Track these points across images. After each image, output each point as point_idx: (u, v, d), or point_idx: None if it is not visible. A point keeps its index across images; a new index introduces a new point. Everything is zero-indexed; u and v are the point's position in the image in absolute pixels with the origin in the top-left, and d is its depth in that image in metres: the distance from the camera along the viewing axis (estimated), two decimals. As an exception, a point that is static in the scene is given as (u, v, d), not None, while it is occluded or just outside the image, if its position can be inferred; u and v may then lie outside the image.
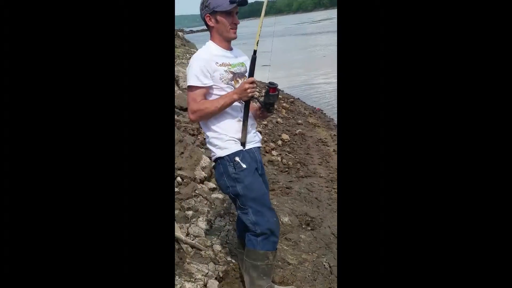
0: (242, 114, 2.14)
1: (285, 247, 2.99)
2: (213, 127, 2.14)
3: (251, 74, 2.11)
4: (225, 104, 2.06)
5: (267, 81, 2.11)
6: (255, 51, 2.08)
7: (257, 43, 2.07)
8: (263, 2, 2.07)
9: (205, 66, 2.06)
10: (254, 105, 2.26)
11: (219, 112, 2.09)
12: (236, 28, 2.15)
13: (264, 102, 2.14)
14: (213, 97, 2.11)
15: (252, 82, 2.04)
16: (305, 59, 18.12)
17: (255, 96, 2.09)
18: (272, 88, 2.09)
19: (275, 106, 2.23)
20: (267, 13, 2.18)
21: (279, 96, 2.15)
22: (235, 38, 2.17)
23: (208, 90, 2.09)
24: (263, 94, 2.13)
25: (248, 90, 2.02)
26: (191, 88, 2.09)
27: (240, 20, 2.18)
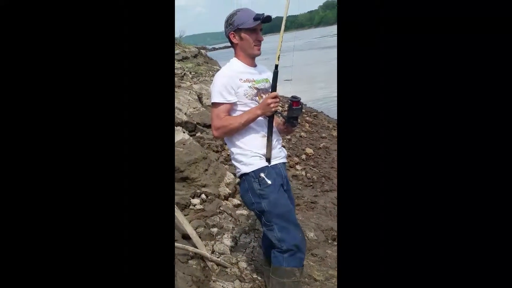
0: (266, 130, 2.14)
1: (312, 263, 2.95)
2: (238, 143, 2.14)
3: (274, 88, 2.11)
4: (249, 120, 2.07)
5: (289, 95, 2.11)
6: (276, 66, 2.10)
7: (278, 57, 2.09)
8: (282, 17, 2.08)
9: (229, 82, 2.08)
10: (278, 120, 2.26)
11: (243, 128, 2.09)
12: (260, 45, 2.17)
13: (287, 116, 2.13)
14: (238, 113, 2.11)
15: (275, 97, 2.04)
16: (327, 72, 18.08)
17: (278, 110, 2.09)
18: (295, 101, 2.08)
19: (299, 120, 2.22)
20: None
21: (303, 110, 2.14)
22: (259, 54, 2.19)
23: (232, 106, 2.10)
24: (286, 108, 2.12)
25: (271, 105, 2.02)
26: (214, 104, 2.10)
27: (263, 35, 2.20)
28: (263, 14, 2.10)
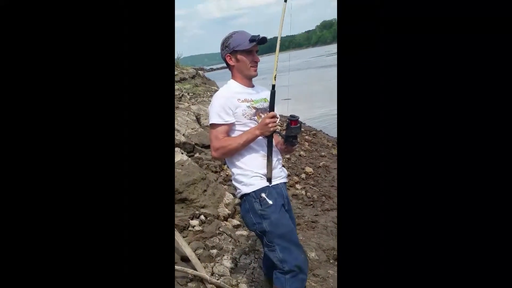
0: (266, 149, 2.13)
1: (313, 284, 2.91)
2: (238, 164, 2.13)
3: (272, 108, 2.11)
4: (248, 140, 2.06)
5: (288, 114, 2.10)
6: (273, 86, 2.10)
7: (275, 77, 2.09)
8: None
9: (226, 103, 2.08)
10: (278, 139, 2.25)
11: (242, 149, 2.08)
12: (256, 66, 2.18)
13: (286, 136, 2.11)
14: (237, 133, 2.11)
15: (273, 117, 2.03)
16: (325, 91, 18.19)
17: (277, 130, 2.08)
18: (293, 120, 2.07)
19: (298, 139, 2.20)
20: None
21: (301, 129, 2.12)
22: (255, 75, 2.20)
23: (230, 127, 2.10)
24: (285, 127, 2.11)
25: (270, 125, 2.01)
26: (213, 126, 2.10)
27: (259, 55, 2.22)
28: (259, 35, 2.13)
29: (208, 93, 9.71)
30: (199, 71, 12.86)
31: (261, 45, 2.18)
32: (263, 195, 2.07)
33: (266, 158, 2.12)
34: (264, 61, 2.44)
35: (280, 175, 2.20)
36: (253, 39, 2.11)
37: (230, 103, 2.08)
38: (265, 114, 2.16)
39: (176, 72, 10.31)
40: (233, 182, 2.22)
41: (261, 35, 2.13)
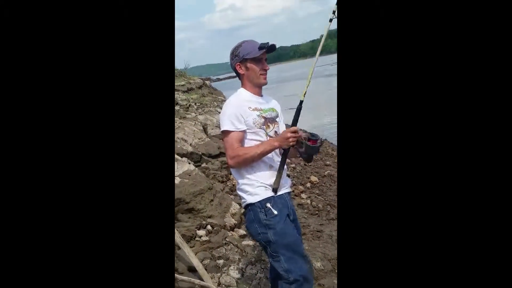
0: (273, 161, 2.15)
1: (319, 294, 2.92)
2: (244, 173, 2.15)
3: (295, 123, 2.12)
4: (265, 151, 2.07)
5: (308, 131, 2.09)
6: (301, 102, 2.12)
7: (304, 94, 2.11)
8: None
9: (239, 111, 2.10)
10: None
11: (258, 159, 2.09)
12: (266, 74, 2.20)
13: (303, 153, 2.10)
14: (248, 141, 2.13)
15: (294, 132, 2.03)
16: (330, 100, 18.18)
17: (295, 145, 2.08)
18: (312, 140, 2.05)
19: (314, 157, 2.21)
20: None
21: (319, 149, 2.12)
22: (265, 83, 2.22)
23: (243, 134, 2.11)
24: (303, 143, 2.09)
25: (290, 139, 2.02)
26: (225, 133, 2.11)
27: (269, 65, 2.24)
28: (268, 43, 2.14)
29: (215, 103, 9.77)
30: (206, 81, 12.94)
31: (270, 53, 2.20)
32: (268, 205, 2.08)
33: (272, 169, 2.14)
34: (271, 70, 2.46)
35: (285, 185, 2.21)
36: (262, 46, 2.13)
37: (242, 111, 2.10)
38: (273, 124, 2.20)
39: (183, 82, 10.40)
40: (238, 192, 2.23)
41: (270, 43, 2.15)
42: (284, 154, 2.13)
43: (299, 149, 2.09)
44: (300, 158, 2.22)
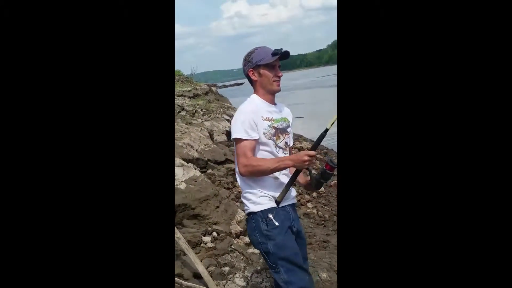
0: (280, 174, 2.11)
1: (325, 305, 2.87)
2: (249, 182, 2.12)
3: (315, 148, 2.07)
4: (278, 168, 2.02)
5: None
6: (326, 129, 2.01)
7: (332, 124, 1.97)
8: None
9: (253, 118, 2.06)
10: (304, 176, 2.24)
11: (269, 174, 2.06)
12: (279, 81, 2.16)
13: (316, 179, 2.07)
14: (255, 150, 2.08)
15: (312, 156, 1.97)
16: (335, 110, 18.14)
17: (309, 168, 2.05)
18: (330, 166, 2.00)
19: (324, 184, 2.17)
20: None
21: (333, 176, 2.07)
22: (279, 90, 2.18)
23: (256, 143, 2.07)
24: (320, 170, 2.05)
25: (306, 162, 1.96)
26: (238, 140, 2.06)
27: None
28: (281, 49, 2.11)
29: (221, 109, 9.77)
30: (212, 88, 12.96)
31: (284, 60, 2.17)
32: (270, 215, 2.04)
33: (277, 181, 2.11)
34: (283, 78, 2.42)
35: (289, 197, 2.17)
36: (275, 52, 2.09)
37: (256, 119, 2.06)
38: (283, 135, 2.17)
39: (189, 88, 10.41)
40: (242, 199, 2.20)
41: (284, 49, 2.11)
42: (295, 174, 2.09)
43: (311, 173, 2.07)
44: (308, 185, 2.17)
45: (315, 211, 5.04)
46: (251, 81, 2.19)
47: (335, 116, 1.89)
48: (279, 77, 2.16)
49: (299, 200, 5.19)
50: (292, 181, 2.09)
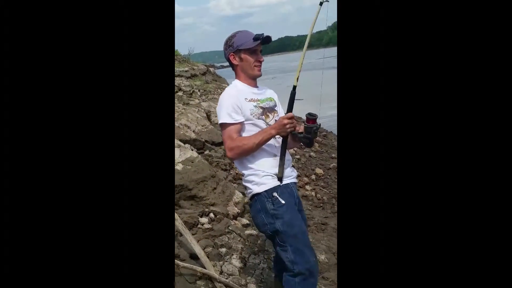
0: (276, 150, 2.11)
1: (323, 287, 2.86)
2: (249, 164, 2.11)
3: (290, 109, 2.08)
4: (263, 140, 2.02)
5: (301, 114, 2.06)
6: (294, 87, 2.08)
7: (297, 79, 2.07)
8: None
9: (235, 102, 2.06)
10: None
11: (257, 149, 2.05)
12: (260, 66, 2.17)
13: (302, 137, 2.05)
14: (247, 132, 2.08)
15: (291, 118, 2.00)
16: (335, 92, 18.04)
17: (293, 131, 2.04)
18: (311, 119, 2.01)
19: (314, 140, 2.15)
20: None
21: (318, 129, 2.06)
22: (259, 75, 2.19)
23: (241, 126, 2.07)
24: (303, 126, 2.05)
25: (287, 126, 1.98)
26: (224, 125, 2.07)
27: (269, 55, 2.21)
28: (263, 34, 2.11)
29: (218, 90, 9.67)
30: (209, 68, 12.80)
31: (266, 44, 2.17)
32: (275, 194, 2.04)
33: (276, 158, 2.10)
34: (273, 60, 2.40)
35: (290, 175, 2.18)
36: (257, 37, 2.09)
37: (238, 102, 2.07)
38: (272, 114, 2.17)
39: (187, 68, 10.28)
40: (244, 183, 2.20)
41: (266, 34, 2.12)
42: (284, 142, 2.09)
43: (298, 134, 2.05)
44: (303, 146, 2.17)
45: (313, 193, 5.01)
46: (232, 65, 2.19)
47: (298, 72, 2.05)
48: (260, 62, 2.16)
49: (297, 183, 5.15)
50: (284, 151, 2.09)
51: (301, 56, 2.09)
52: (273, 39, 2.20)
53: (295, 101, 2.11)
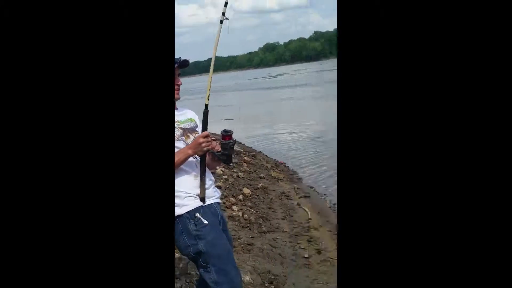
0: (197, 170, 2.09)
1: (247, 310, 2.83)
2: None
3: (205, 128, 2.09)
4: (180, 160, 2.01)
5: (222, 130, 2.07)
6: (206, 105, 2.11)
7: (208, 97, 2.11)
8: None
9: None
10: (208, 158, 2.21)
11: (175, 169, 2.01)
12: (178, 89, 2.15)
13: (220, 154, 2.06)
14: None
15: (206, 136, 2.01)
16: (265, 113, 18.39)
17: (210, 150, 2.04)
18: (226, 135, 2.04)
19: (233, 157, 2.17)
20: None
21: (234, 145, 2.10)
22: (178, 98, 2.17)
23: None
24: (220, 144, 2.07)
25: (203, 144, 1.99)
26: None
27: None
28: (180, 58, 2.11)
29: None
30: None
31: (183, 68, 2.18)
32: (198, 215, 2.01)
33: (198, 178, 2.08)
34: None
35: (213, 195, 2.16)
36: (174, 61, 2.08)
37: None
38: (193, 134, 2.16)
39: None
40: None
41: (183, 58, 2.13)
42: (202, 161, 2.08)
43: (216, 153, 2.06)
44: (231, 166, 2.17)
45: (240, 213, 4.99)
46: None
47: (208, 91, 2.12)
48: (179, 85, 2.16)
49: (224, 203, 5.12)
50: (204, 170, 2.08)
51: (209, 75, 2.13)
52: (203, 59, 2.21)
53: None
